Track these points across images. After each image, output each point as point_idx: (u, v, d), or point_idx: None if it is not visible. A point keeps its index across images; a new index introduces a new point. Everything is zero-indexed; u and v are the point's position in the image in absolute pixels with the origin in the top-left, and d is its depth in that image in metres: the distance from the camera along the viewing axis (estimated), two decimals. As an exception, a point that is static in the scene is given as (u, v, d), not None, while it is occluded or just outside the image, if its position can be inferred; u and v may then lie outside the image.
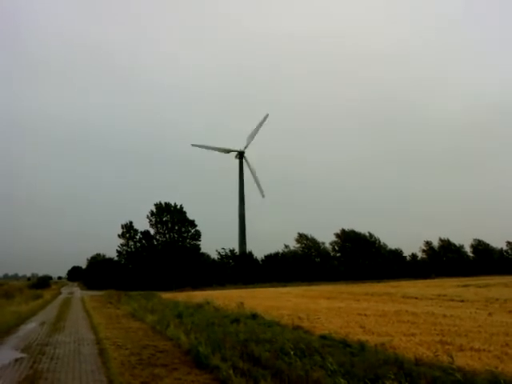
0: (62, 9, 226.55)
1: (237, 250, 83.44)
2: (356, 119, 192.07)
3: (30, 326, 20.48)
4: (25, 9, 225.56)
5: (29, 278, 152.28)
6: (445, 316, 18.53)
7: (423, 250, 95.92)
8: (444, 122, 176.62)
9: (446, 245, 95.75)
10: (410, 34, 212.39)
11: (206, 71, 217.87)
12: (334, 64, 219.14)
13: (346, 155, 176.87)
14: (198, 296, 34.73)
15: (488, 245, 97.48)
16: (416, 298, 29.27)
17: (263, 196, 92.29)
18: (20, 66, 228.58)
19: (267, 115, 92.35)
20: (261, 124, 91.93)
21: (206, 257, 78.60)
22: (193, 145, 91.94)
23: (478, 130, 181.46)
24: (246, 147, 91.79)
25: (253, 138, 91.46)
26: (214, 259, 79.96)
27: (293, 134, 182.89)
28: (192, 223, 75.96)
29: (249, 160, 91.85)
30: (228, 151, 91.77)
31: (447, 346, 11.61)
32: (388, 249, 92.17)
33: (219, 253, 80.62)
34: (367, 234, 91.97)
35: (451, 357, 9.23)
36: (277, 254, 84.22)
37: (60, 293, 63.54)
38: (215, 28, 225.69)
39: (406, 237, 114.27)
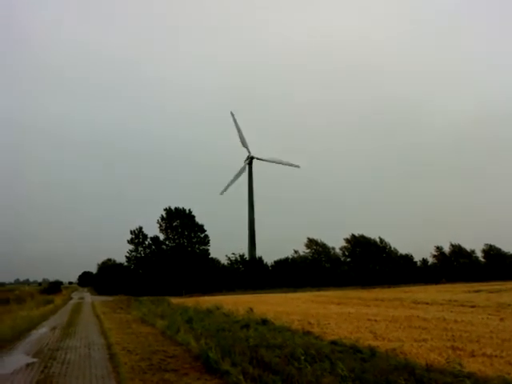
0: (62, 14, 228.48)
1: (246, 256, 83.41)
2: (364, 122, 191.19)
3: (41, 331, 20.63)
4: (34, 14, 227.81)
5: (40, 284, 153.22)
6: (456, 321, 18.40)
7: (434, 255, 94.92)
8: (451, 124, 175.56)
9: (457, 250, 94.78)
10: (411, 34, 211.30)
11: (206, 72, 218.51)
12: (335, 64, 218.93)
13: (356, 159, 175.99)
14: (208, 301, 34.75)
15: (500, 250, 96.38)
16: (427, 304, 29.06)
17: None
18: (25, 68, 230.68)
19: (297, 167, 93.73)
20: (280, 162, 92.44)
21: (215, 262, 78.68)
22: (232, 112, 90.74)
23: (486, 133, 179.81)
24: (257, 158, 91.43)
25: (266, 161, 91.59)
26: (223, 264, 79.99)
27: (301, 137, 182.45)
28: (201, 228, 76.16)
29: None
30: (244, 145, 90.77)
31: (459, 352, 11.54)
32: (398, 254, 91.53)
33: (229, 258, 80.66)
34: (377, 239, 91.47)
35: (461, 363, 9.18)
36: (286, 259, 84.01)
37: (71, 298, 63.90)
38: (216, 30, 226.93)
39: (416, 242, 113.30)
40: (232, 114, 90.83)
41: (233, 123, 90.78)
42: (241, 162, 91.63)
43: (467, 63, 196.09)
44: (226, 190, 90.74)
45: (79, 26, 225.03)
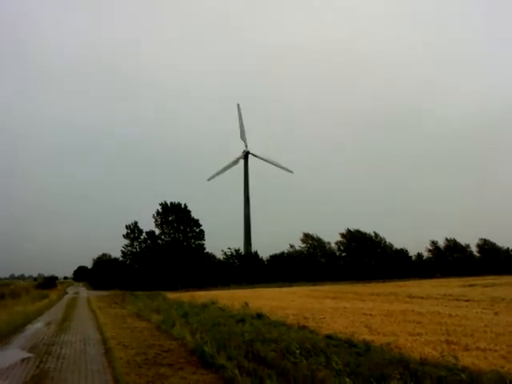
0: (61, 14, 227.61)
1: (242, 250, 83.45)
2: (361, 119, 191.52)
3: (37, 325, 20.60)
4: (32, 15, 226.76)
5: (35, 279, 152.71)
6: (450, 316, 18.49)
7: (429, 250, 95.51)
8: (446, 123, 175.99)
9: (452, 244, 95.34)
10: (410, 38, 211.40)
11: (205, 75, 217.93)
12: (335, 70, 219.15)
13: (353, 155, 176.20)
14: (204, 296, 34.78)
15: (494, 244, 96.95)
16: (422, 298, 29.20)
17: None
18: (24, 70, 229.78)
19: (291, 172, 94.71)
20: (275, 164, 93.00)
21: (211, 257, 78.65)
22: (238, 105, 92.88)
23: (482, 132, 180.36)
24: (252, 154, 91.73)
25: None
26: (219, 259, 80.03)
27: (295, 134, 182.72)
28: (196, 223, 76.00)
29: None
30: (242, 138, 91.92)
31: (453, 346, 11.59)
32: (394, 248, 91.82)
33: (225, 253, 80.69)
34: (373, 234, 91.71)
35: (456, 357, 9.22)
36: (282, 253, 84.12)
37: (66, 293, 63.77)
38: (215, 36, 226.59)
39: (411, 236, 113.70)
40: (238, 107, 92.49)
41: (237, 116, 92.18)
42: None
43: (467, 64, 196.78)
44: (213, 177, 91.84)
45: (77, 27, 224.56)
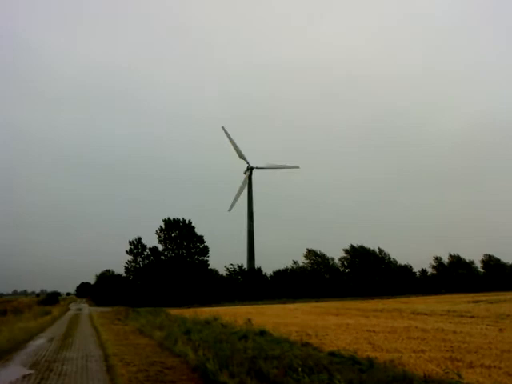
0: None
1: (245, 266, 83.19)
2: (361, 136, 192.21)
3: (39, 342, 20.50)
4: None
5: (38, 295, 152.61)
6: (455, 332, 18.34)
7: (433, 266, 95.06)
8: (446, 139, 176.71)
9: (456, 260, 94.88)
10: (409, 56, 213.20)
11: (207, 98, 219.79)
12: (335, 88, 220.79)
13: (354, 172, 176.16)
14: (206, 312, 34.58)
15: (499, 260, 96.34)
16: (426, 314, 28.98)
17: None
18: (30, 80, 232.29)
19: (297, 168, 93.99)
20: (280, 167, 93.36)
21: (214, 273, 78.46)
22: (223, 127, 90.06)
23: (485, 147, 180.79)
24: (257, 168, 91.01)
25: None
26: (222, 275, 79.79)
27: (298, 149, 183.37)
28: (200, 239, 76.01)
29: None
30: (241, 157, 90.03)
31: (457, 363, 11.48)
32: (398, 264, 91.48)
33: (228, 269, 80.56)
34: (377, 250, 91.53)
35: (460, 374, 9.14)
36: (285, 269, 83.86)
37: (68, 309, 63.58)
38: (216, 56, 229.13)
39: (415, 252, 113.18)
40: (223, 129, 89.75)
41: (226, 138, 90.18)
42: (241, 173, 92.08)
43: (465, 77, 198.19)
44: (233, 205, 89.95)
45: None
